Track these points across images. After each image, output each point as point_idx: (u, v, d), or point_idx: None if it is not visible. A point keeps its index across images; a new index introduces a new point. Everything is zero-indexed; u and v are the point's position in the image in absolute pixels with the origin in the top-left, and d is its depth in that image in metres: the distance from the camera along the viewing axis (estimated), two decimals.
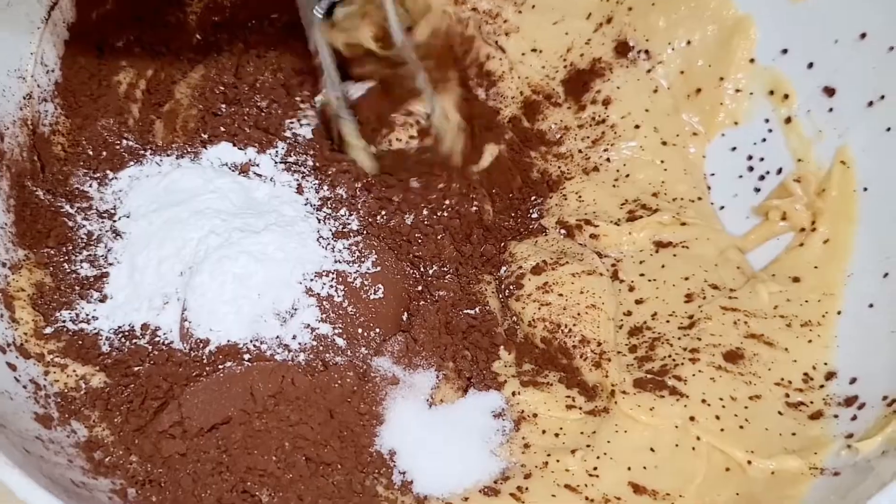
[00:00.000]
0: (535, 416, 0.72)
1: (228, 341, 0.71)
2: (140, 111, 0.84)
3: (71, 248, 0.76)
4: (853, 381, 0.72)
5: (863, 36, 0.80)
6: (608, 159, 0.88)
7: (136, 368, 0.71)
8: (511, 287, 0.78)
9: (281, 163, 0.82)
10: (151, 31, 0.87)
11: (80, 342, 0.71)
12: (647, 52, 0.91)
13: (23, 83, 0.77)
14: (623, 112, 0.89)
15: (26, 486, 0.52)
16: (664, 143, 0.88)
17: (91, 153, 0.81)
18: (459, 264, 0.80)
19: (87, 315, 0.73)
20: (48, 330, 0.71)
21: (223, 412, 0.68)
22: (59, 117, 0.80)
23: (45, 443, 0.63)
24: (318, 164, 0.82)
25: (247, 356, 0.71)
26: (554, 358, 0.76)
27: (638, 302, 0.79)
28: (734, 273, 0.81)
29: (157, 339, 0.72)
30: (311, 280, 0.74)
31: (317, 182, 0.81)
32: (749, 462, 0.68)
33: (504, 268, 0.81)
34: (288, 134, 0.84)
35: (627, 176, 0.87)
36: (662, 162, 0.88)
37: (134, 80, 0.85)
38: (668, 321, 0.78)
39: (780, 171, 0.85)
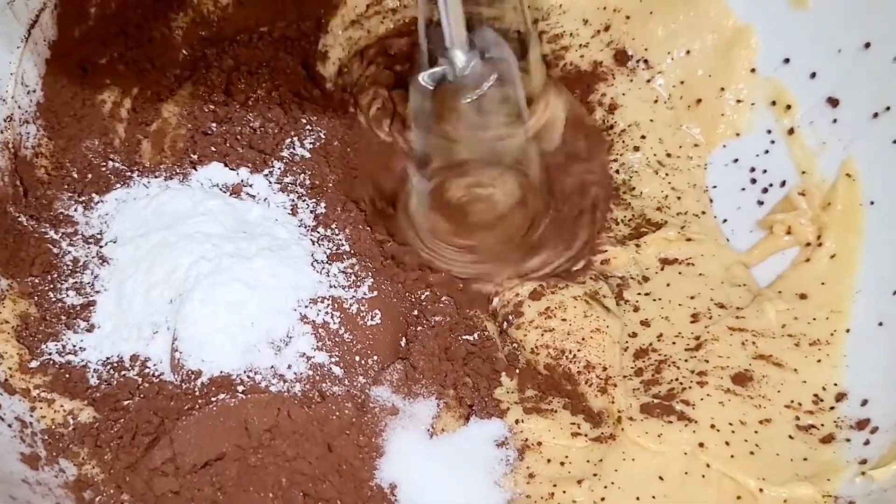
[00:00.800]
0: (539, 444, 0.70)
1: (221, 372, 0.69)
2: (126, 131, 0.81)
3: (56, 275, 0.73)
4: (864, 402, 0.71)
5: (867, 46, 0.78)
6: (616, 171, 0.87)
7: (125, 402, 0.68)
8: (510, 317, 0.76)
9: (276, 182, 0.79)
10: (136, 47, 0.84)
11: (67, 375, 0.69)
12: (646, 61, 0.90)
13: (3, 105, 0.74)
14: (629, 120, 0.88)
15: None
16: (668, 155, 0.86)
17: (76, 175, 0.78)
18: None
19: (74, 346, 0.70)
20: (34, 364, 0.68)
21: (217, 447, 0.66)
22: (41, 139, 0.78)
23: (31, 486, 0.60)
24: (316, 183, 0.80)
25: (241, 388, 0.68)
26: (558, 384, 0.74)
27: (643, 323, 0.77)
28: (740, 291, 0.79)
29: (146, 370, 0.70)
30: (306, 307, 0.71)
31: (313, 202, 0.79)
32: (761, 490, 0.67)
33: (496, 300, 0.78)
34: (285, 153, 0.81)
35: (632, 189, 0.85)
36: (667, 175, 0.86)
37: (119, 98, 0.82)
38: (674, 342, 0.76)
39: (783, 183, 0.83)
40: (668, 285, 0.79)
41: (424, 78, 0.74)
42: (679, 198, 0.85)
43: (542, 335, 0.74)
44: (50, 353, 0.69)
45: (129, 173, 0.79)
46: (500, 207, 0.82)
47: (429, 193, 0.82)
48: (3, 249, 0.72)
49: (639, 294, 0.79)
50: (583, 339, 0.74)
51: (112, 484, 0.65)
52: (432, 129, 0.78)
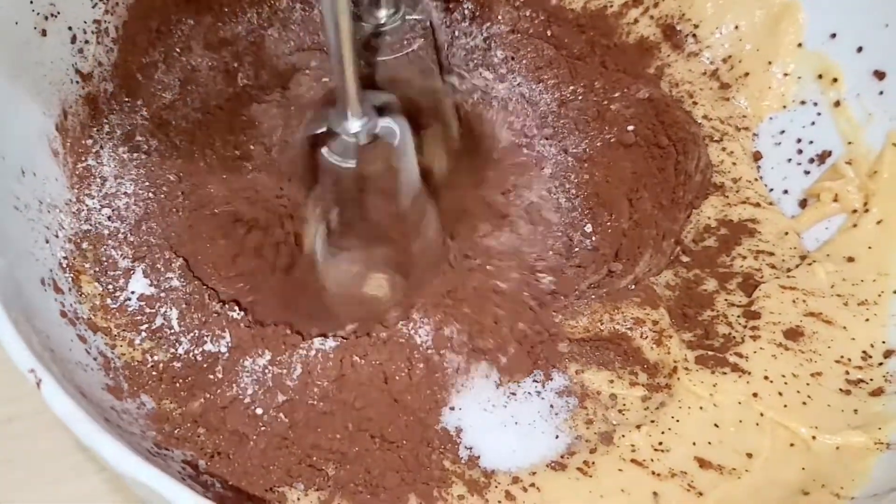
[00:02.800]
0: (598, 393, 0.72)
1: None
2: None
3: None
4: None
5: None
6: None
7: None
8: None
9: None
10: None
11: (144, 316, 0.71)
12: (694, 35, 0.92)
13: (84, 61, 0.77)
14: (681, 92, 0.90)
15: (117, 453, 0.51)
16: (722, 122, 0.89)
17: None
18: None
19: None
20: (113, 304, 0.71)
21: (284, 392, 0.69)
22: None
23: (118, 413, 0.63)
24: None
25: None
26: (611, 340, 0.76)
27: (696, 281, 0.79)
28: (791, 253, 0.81)
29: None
30: None
31: None
32: (814, 437, 0.68)
33: None
34: None
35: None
36: (720, 140, 0.88)
37: None
38: (726, 299, 0.78)
39: (829, 154, 0.86)
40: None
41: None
42: (734, 163, 0.87)
43: None
44: (129, 297, 0.72)
45: None
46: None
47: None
48: None
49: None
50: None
51: (189, 418, 0.67)
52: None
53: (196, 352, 0.70)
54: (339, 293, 0.74)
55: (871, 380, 0.73)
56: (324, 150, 0.64)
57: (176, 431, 0.66)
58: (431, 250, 0.75)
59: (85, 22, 0.76)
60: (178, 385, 0.69)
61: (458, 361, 0.71)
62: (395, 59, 0.73)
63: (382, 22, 0.72)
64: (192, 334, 0.70)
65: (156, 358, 0.69)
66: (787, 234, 0.82)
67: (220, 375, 0.69)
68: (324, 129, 0.64)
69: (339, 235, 0.71)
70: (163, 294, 0.72)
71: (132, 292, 0.72)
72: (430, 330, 0.72)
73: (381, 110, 0.65)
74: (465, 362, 0.71)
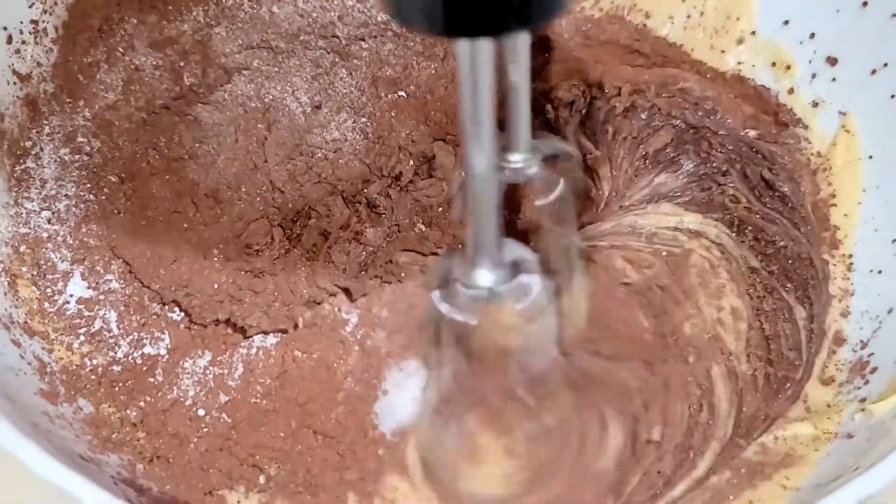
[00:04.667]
0: None
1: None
2: None
3: None
4: (863, 345, 0.72)
5: (864, 4, 0.79)
6: None
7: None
8: None
9: None
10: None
11: (83, 320, 0.71)
12: (645, 25, 0.91)
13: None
14: None
15: (39, 459, 0.51)
16: None
17: None
18: None
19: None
20: (50, 308, 0.70)
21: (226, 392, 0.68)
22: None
23: (51, 418, 0.62)
24: None
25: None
26: None
27: None
28: None
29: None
30: None
31: None
32: None
33: None
34: None
35: None
36: None
37: None
38: None
39: None
40: None
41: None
42: None
43: None
44: (67, 300, 0.71)
45: None
46: None
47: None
48: None
49: None
50: None
51: (128, 422, 0.67)
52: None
53: (135, 355, 0.69)
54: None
55: (825, 367, 0.72)
56: (440, 302, 0.57)
57: (114, 436, 0.65)
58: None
59: (21, 22, 0.75)
60: (117, 389, 0.68)
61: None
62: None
63: (519, 167, 0.61)
64: (131, 337, 0.70)
65: (94, 362, 0.69)
66: None
67: (160, 378, 0.69)
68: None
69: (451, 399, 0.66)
70: (101, 297, 0.71)
71: (70, 295, 0.71)
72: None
73: (516, 265, 0.58)
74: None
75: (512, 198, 0.74)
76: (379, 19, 0.87)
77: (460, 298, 0.57)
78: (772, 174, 0.80)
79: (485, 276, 0.56)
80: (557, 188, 0.66)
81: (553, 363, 0.67)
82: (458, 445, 0.67)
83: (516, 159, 0.61)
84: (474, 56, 0.45)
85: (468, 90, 0.47)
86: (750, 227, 0.78)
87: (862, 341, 0.72)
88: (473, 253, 0.56)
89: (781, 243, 0.77)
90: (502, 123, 0.56)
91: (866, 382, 0.69)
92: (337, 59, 0.84)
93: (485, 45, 0.45)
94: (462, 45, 0.45)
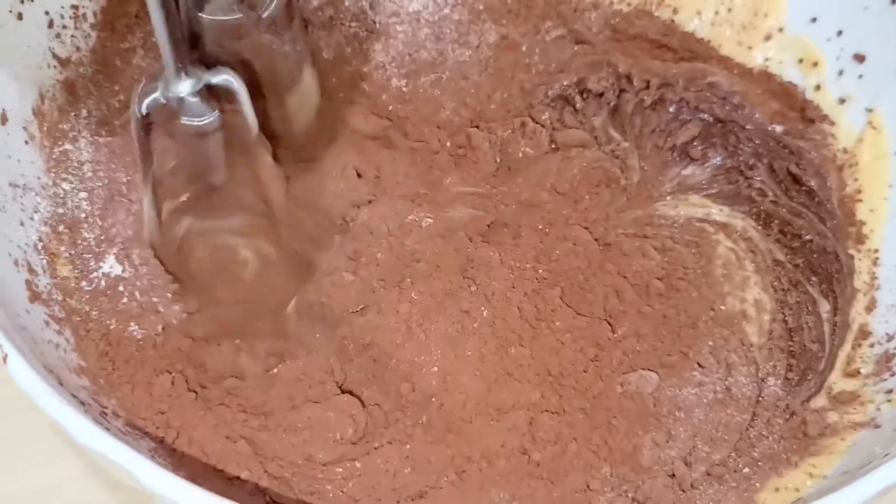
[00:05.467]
0: None
1: None
2: None
3: None
4: (889, 338, 0.73)
5: (893, 2, 0.80)
6: None
7: None
8: None
9: None
10: None
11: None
12: (672, 21, 0.92)
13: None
14: None
15: (83, 428, 0.51)
16: None
17: None
18: None
19: None
20: (87, 286, 0.71)
21: None
22: None
23: (89, 392, 0.63)
24: None
25: None
26: None
27: None
28: None
29: None
30: None
31: None
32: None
33: None
34: None
35: None
36: None
37: None
38: None
39: None
40: None
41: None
42: None
43: None
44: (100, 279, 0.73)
45: None
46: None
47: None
48: None
49: None
50: None
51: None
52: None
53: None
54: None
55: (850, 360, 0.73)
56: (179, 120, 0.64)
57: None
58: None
59: (62, 7, 0.76)
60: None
61: None
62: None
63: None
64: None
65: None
66: None
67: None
68: (156, 100, 0.63)
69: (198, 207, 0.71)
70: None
71: (104, 274, 0.72)
72: None
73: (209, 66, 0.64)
74: None
75: None
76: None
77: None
78: (798, 169, 0.80)
79: (184, 85, 0.63)
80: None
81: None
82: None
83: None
84: None
85: None
86: (776, 221, 0.79)
87: (888, 334, 0.73)
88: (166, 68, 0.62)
89: (807, 237, 0.78)
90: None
91: (893, 374, 0.70)
92: None
93: None
94: None
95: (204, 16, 0.66)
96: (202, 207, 0.72)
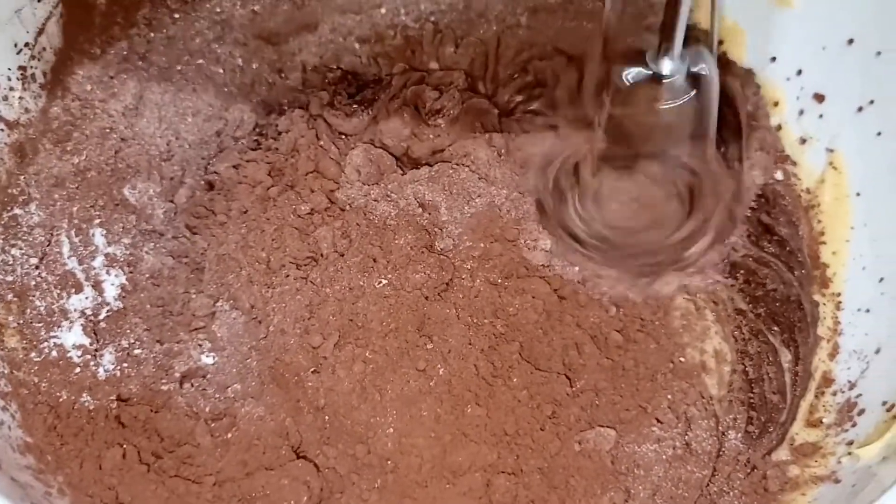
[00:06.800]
0: None
1: None
2: None
3: None
4: (852, 386, 0.72)
5: (850, 42, 0.79)
6: None
7: None
8: None
9: None
10: None
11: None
12: None
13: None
14: None
15: None
16: None
17: None
18: None
19: None
20: (37, 357, 0.71)
21: None
22: None
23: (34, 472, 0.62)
24: None
25: None
26: None
27: None
28: None
29: None
30: None
31: None
32: None
33: None
34: None
35: None
36: None
37: None
38: None
39: None
40: None
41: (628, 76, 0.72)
42: None
43: None
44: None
45: None
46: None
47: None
48: None
49: None
50: None
51: None
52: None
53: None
54: None
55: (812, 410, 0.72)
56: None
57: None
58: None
59: (9, 69, 0.75)
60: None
61: None
62: (672, 107, 0.72)
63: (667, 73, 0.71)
64: None
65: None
66: None
67: None
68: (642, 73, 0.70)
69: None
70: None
71: (56, 344, 0.71)
72: None
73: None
74: None
75: None
76: None
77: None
78: (770, 218, 0.80)
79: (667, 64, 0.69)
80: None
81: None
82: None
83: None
84: None
85: None
86: (742, 271, 0.78)
87: (850, 381, 0.72)
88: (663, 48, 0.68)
89: (772, 286, 0.77)
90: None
91: (854, 425, 0.69)
92: None
93: None
94: None
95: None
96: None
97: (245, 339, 0.73)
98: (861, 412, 0.70)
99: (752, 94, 0.84)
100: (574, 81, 0.81)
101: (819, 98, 0.82)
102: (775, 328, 0.75)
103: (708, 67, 0.72)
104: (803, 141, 0.83)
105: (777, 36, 0.85)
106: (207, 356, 0.73)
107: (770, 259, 0.78)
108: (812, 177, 0.82)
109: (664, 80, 0.71)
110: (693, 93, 0.72)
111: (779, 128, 0.85)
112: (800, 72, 0.84)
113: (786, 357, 0.74)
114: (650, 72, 0.71)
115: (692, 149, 0.77)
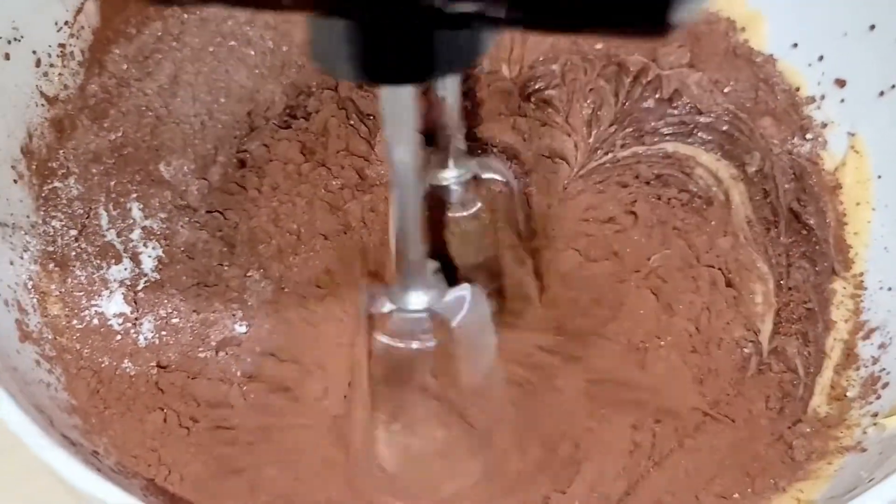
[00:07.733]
0: None
1: None
2: None
3: None
4: (875, 361, 0.73)
5: (872, 28, 0.81)
6: None
7: None
8: None
9: None
10: None
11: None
12: (654, 60, 0.92)
13: None
14: None
15: (73, 469, 0.52)
16: None
17: None
18: None
19: None
20: (79, 325, 0.72)
21: None
22: None
23: (81, 432, 0.64)
24: None
25: None
26: None
27: None
28: None
29: None
30: None
31: None
32: None
33: None
34: None
35: None
36: None
37: None
38: None
39: None
40: None
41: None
42: None
43: None
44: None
45: None
46: None
47: None
48: None
49: None
50: None
51: None
52: None
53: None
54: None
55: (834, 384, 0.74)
56: (381, 338, 0.56)
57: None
58: None
59: (49, 46, 0.76)
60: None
61: None
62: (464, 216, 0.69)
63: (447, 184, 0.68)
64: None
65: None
66: None
67: None
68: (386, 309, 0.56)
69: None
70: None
71: (97, 312, 0.72)
72: None
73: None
74: None
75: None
76: None
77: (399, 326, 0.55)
78: (800, 205, 0.81)
79: (420, 298, 0.55)
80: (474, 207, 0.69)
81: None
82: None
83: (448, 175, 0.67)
84: (396, 98, 0.45)
85: (393, 127, 0.47)
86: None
87: (873, 357, 0.73)
88: (404, 276, 0.54)
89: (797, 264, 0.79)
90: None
91: (878, 398, 0.70)
92: None
93: (407, 89, 0.44)
94: (384, 90, 0.45)
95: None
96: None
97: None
98: (885, 385, 0.71)
99: None
100: None
101: (840, 83, 0.84)
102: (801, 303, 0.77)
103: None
104: (825, 125, 0.85)
105: (799, 23, 0.86)
106: (240, 325, 0.75)
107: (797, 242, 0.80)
108: (834, 160, 0.83)
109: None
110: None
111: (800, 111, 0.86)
112: (821, 57, 0.85)
113: (811, 331, 0.75)
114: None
115: None
